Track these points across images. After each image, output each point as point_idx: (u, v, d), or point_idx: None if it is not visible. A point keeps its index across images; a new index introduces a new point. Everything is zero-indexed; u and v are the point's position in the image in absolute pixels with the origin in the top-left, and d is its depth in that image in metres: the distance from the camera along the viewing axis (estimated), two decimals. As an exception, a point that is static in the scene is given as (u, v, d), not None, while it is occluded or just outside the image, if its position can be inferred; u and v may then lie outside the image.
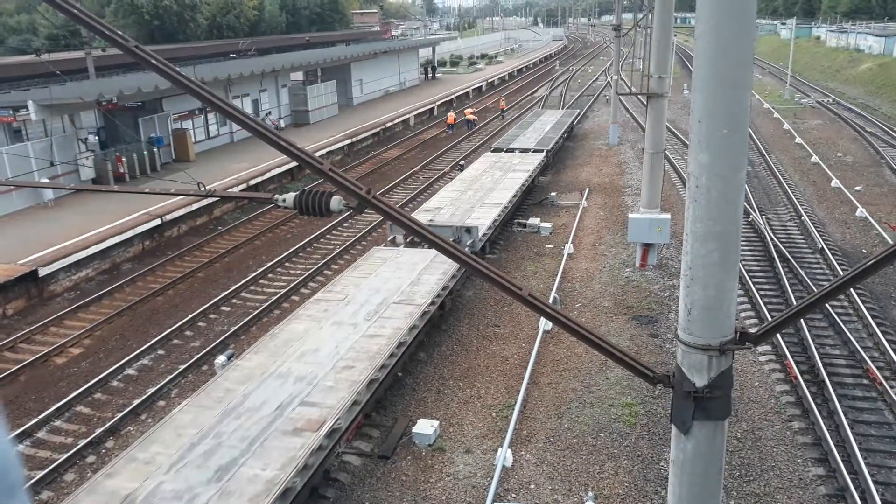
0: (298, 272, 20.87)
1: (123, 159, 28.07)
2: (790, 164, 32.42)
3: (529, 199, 26.92)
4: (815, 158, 32.59)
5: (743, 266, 19.32)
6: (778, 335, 14.99)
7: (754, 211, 24.37)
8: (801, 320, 15.52)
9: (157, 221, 23.23)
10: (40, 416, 13.48)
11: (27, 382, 15.09)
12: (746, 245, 21.32)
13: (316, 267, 20.95)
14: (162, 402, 14.19)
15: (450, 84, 62.70)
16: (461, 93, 58.17)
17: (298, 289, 19.60)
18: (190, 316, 17.73)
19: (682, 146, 35.59)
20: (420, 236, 4.21)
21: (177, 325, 17.24)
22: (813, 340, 15.27)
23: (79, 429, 13.44)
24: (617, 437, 12.45)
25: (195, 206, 24.96)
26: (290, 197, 4.71)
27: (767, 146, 35.77)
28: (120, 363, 15.47)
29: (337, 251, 22.36)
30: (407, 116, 46.37)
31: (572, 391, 13.91)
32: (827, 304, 16.36)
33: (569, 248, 21.60)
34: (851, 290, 16.95)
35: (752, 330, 4.15)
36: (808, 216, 23.88)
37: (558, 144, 33.11)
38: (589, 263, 20.63)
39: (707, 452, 4.33)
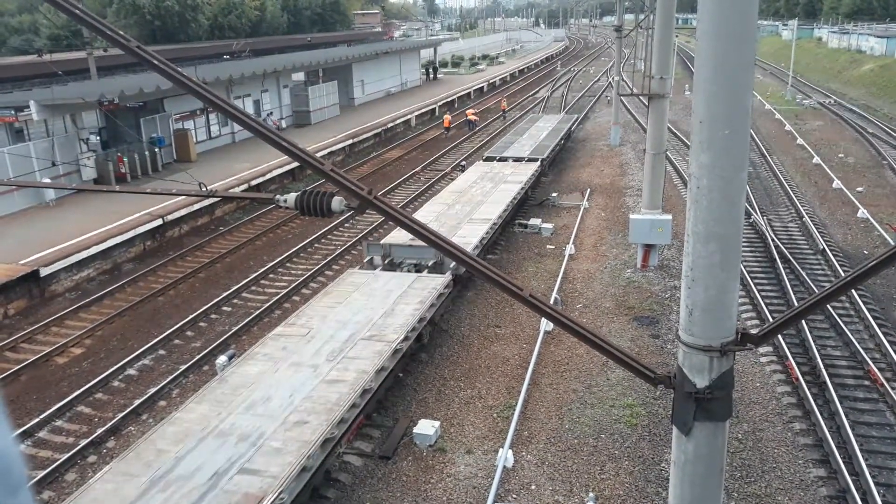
0: (300, 272, 20.88)
1: (125, 159, 28.10)
2: (791, 164, 32.41)
3: (529, 200, 26.90)
4: (816, 159, 32.57)
5: (744, 267, 19.31)
6: (779, 336, 14.98)
7: (756, 212, 24.36)
8: (803, 321, 15.51)
9: (159, 221, 23.25)
10: (41, 416, 13.49)
11: (28, 382, 15.11)
12: (748, 246, 21.31)
13: (317, 267, 20.95)
14: (163, 402, 14.20)
15: (451, 85, 62.71)
16: (463, 93, 58.17)
17: (299, 289, 19.60)
18: (191, 316, 17.74)
19: (683, 147, 35.58)
20: (421, 237, 4.21)
21: (178, 325, 17.25)
22: (814, 341, 15.25)
23: (80, 429, 13.45)
24: (618, 437, 12.45)
25: (196, 207, 24.98)
26: (292, 197, 4.71)
27: (769, 147, 35.76)
28: (121, 363, 15.47)
29: (338, 251, 22.37)
30: (408, 117, 46.38)
31: (573, 392, 13.90)
32: (828, 305, 16.36)
33: (570, 249, 21.60)
34: (853, 291, 16.93)
35: (754, 331, 4.14)
36: (809, 217, 23.86)
37: (555, 152, 31.56)
38: (590, 264, 20.62)
39: (708, 453, 4.33)
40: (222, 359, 14.74)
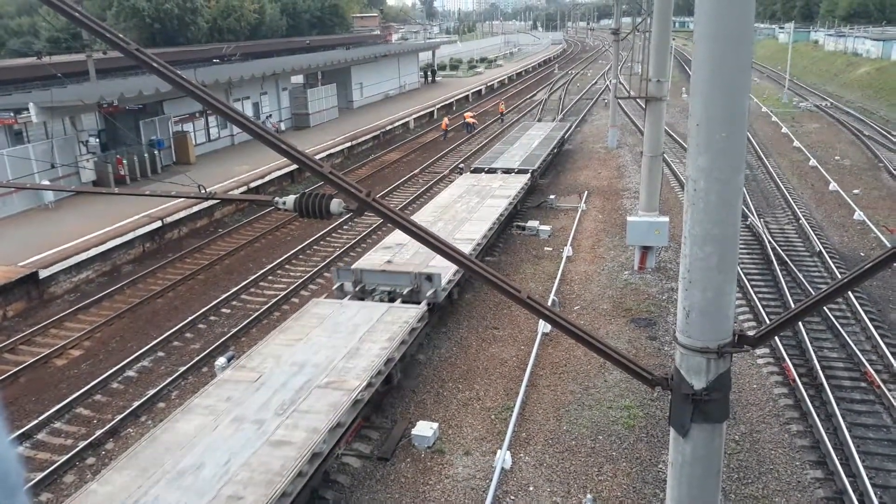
0: (298, 274, 20.89)
1: (124, 161, 28.12)
2: (788, 167, 32.47)
3: (528, 201, 26.93)
4: (813, 162, 32.64)
5: (741, 269, 19.35)
6: (776, 338, 15.02)
7: (752, 214, 24.41)
8: (800, 323, 15.55)
9: (158, 224, 23.26)
10: (40, 418, 13.49)
11: (27, 384, 15.10)
12: (745, 248, 21.35)
13: (316, 269, 20.96)
14: (162, 404, 14.20)
15: (449, 88, 62.78)
16: (461, 96, 58.23)
17: (298, 291, 19.61)
18: (190, 318, 17.74)
19: (680, 149, 35.63)
20: (420, 239, 4.23)
21: (177, 327, 17.26)
22: (811, 343, 15.29)
23: (79, 430, 13.44)
24: (616, 439, 12.47)
25: (195, 209, 25.00)
26: (291, 199, 4.73)
27: (766, 149, 35.83)
28: (120, 365, 15.48)
29: (337, 253, 22.38)
30: (407, 120, 46.43)
31: (571, 393, 13.93)
32: (825, 307, 16.40)
33: (568, 251, 21.63)
34: (849, 293, 16.98)
35: (751, 333, 4.17)
36: (806, 219, 23.92)
37: (546, 162, 29.91)
38: (588, 266, 20.65)
39: (705, 455, 4.35)
40: (221, 360, 14.75)
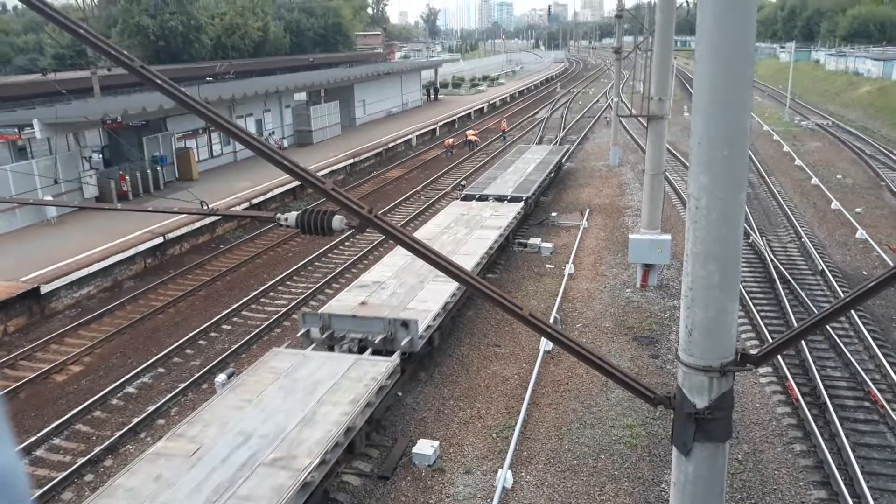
0: (300, 291, 20.87)
1: (127, 178, 28.21)
2: (790, 185, 32.52)
3: (529, 220, 26.94)
4: (814, 180, 32.69)
5: (743, 287, 19.31)
6: (779, 357, 14.95)
7: (755, 232, 24.40)
8: (802, 342, 15.48)
9: (160, 239, 23.29)
10: (39, 434, 13.43)
11: (27, 399, 15.05)
12: (747, 266, 21.32)
13: (317, 286, 20.94)
14: (161, 421, 14.14)
15: (452, 105, 63.08)
16: (463, 114, 58.49)
17: (300, 307, 19.58)
18: (191, 334, 17.71)
19: (682, 168, 35.71)
20: (423, 257, 4.23)
21: (178, 343, 17.23)
22: (814, 362, 15.22)
23: (78, 447, 13.38)
24: (618, 458, 12.39)
25: (197, 225, 25.06)
26: (293, 216, 4.73)
27: (767, 168, 35.89)
28: (120, 381, 15.43)
29: (338, 269, 22.38)
30: (409, 137, 46.61)
31: (573, 412, 13.85)
32: (828, 326, 16.33)
33: (569, 268, 21.62)
34: (852, 311, 16.92)
35: (753, 351, 4.15)
36: (808, 238, 23.91)
37: (541, 188, 28.35)
38: (590, 283, 20.62)
39: (708, 474, 4.31)
40: (221, 377, 14.71)
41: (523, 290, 20.32)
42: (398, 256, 18.53)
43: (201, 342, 17.68)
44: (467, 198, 25.76)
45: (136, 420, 13.96)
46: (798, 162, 37.22)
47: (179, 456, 9.93)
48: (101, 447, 13.05)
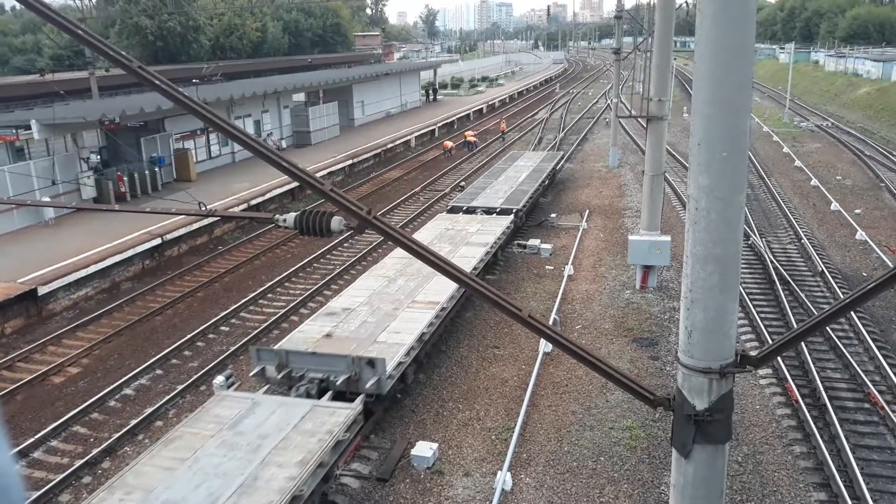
0: (298, 292, 20.84)
1: (125, 178, 28.19)
2: (790, 186, 32.52)
3: (529, 221, 26.92)
4: (814, 181, 32.70)
5: (743, 289, 19.30)
6: (779, 358, 14.94)
7: (754, 233, 24.40)
8: (802, 343, 15.47)
9: (158, 241, 23.26)
10: (37, 436, 13.38)
11: (24, 402, 15.01)
12: (746, 268, 21.31)
13: (316, 287, 20.92)
14: (159, 423, 14.10)
15: (451, 106, 63.08)
16: (462, 115, 58.49)
17: (298, 309, 19.55)
18: (189, 336, 17.68)
19: (681, 169, 35.72)
20: (422, 258, 4.21)
21: (175, 344, 17.19)
22: (814, 363, 15.21)
23: (75, 449, 13.34)
24: (617, 460, 12.36)
25: (196, 226, 25.02)
26: (291, 217, 4.71)
27: (767, 169, 35.90)
28: (118, 383, 15.39)
29: (337, 271, 22.35)
30: (408, 138, 46.60)
31: (572, 414, 13.83)
32: (828, 328, 16.32)
33: (569, 270, 21.60)
34: (852, 313, 16.91)
35: (753, 353, 4.13)
36: (807, 239, 23.90)
37: (533, 199, 26.79)
38: (589, 285, 20.61)
39: (708, 476, 4.30)
40: (219, 379, 14.68)
41: (522, 292, 20.30)
42: (373, 279, 17.25)
43: (199, 344, 17.64)
44: (454, 210, 24.44)
45: (133, 422, 13.91)
46: (798, 163, 37.24)
47: None
48: (99, 449, 13.01)
